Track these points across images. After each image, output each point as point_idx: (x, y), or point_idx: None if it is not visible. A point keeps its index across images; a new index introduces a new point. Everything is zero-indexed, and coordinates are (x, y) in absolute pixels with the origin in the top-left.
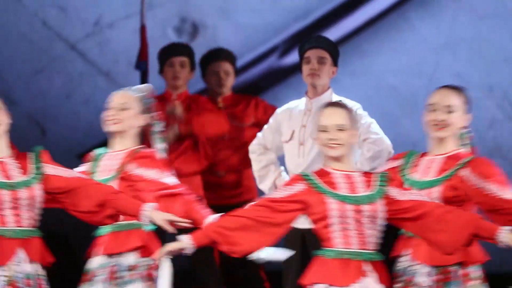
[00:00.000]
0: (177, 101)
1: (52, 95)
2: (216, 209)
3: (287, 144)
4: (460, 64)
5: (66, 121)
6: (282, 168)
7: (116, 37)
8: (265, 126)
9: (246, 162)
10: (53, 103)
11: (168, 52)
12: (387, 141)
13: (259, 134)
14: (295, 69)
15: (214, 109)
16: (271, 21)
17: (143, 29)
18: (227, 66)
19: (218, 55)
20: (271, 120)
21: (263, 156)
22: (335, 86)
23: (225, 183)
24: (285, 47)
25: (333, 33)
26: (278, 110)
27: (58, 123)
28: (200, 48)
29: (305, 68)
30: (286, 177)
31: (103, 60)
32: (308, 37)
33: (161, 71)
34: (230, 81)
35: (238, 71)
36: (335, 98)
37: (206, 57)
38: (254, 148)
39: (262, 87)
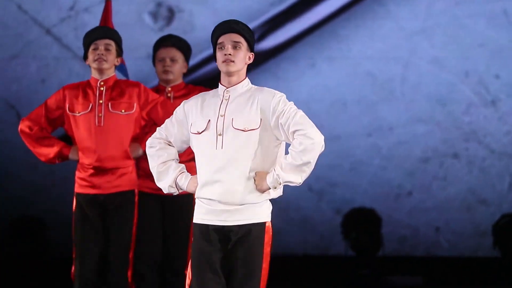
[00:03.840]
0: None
1: (27, 80)
2: (147, 197)
3: (200, 136)
4: (436, 50)
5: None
6: (183, 165)
7: (91, 21)
8: (168, 119)
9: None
10: (28, 88)
11: (93, 36)
12: (319, 133)
13: (160, 127)
14: (272, 53)
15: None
16: (247, 6)
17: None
18: (173, 53)
19: (165, 41)
20: (176, 111)
21: (163, 151)
22: (312, 70)
23: None
24: (261, 32)
25: (309, 18)
26: (185, 102)
27: (33, 108)
28: (176, 33)
29: (219, 55)
30: (188, 175)
31: (79, 45)
32: (220, 23)
33: (85, 58)
34: (177, 69)
35: (189, 62)
36: (253, 88)
37: (155, 44)
38: (153, 142)
39: None
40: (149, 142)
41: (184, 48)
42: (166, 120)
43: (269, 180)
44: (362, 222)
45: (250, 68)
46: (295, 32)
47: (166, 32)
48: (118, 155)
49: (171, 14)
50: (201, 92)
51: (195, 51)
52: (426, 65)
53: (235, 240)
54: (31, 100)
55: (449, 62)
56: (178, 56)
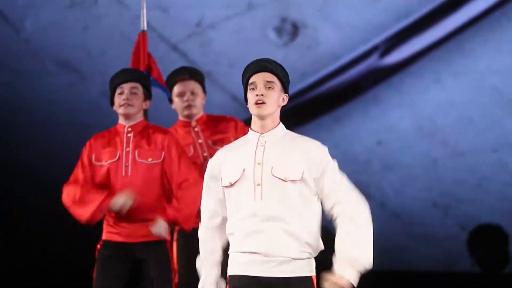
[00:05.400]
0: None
1: (154, 96)
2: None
3: (232, 188)
4: None
5: (168, 121)
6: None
7: (217, 38)
8: (202, 195)
9: None
10: (154, 104)
11: (118, 80)
12: (365, 205)
13: (200, 210)
14: (396, 69)
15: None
16: (371, 21)
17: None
18: (193, 85)
19: (181, 74)
20: (208, 172)
21: (206, 244)
22: (437, 86)
23: None
24: (386, 47)
25: (435, 33)
26: (211, 159)
27: (159, 123)
28: (300, 48)
29: (251, 96)
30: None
31: (204, 61)
32: (251, 62)
33: (112, 103)
34: (199, 102)
35: (206, 90)
36: (291, 135)
37: (170, 79)
38: (201, 234)
39: (362, 87)
40: (199, 234)
41: (202, 79)
42: (202, 198)
43: (351, 276)
44: (488, 239)
45: (376, 83)
46: (420, 47)
47: (290, 47)
48: (146, 206)
49: (295, 29)
50: (225, 119)
51: (319, 66)
52: None
53: None
54: (157, 114)
55: None
56: (198, 88)
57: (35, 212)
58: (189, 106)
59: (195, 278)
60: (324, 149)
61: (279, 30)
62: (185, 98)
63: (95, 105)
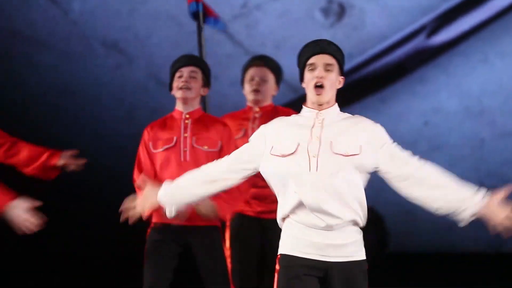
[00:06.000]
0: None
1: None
2: (247, 220)
3: (283, 159)
4: None
5: (214, 103)
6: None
7: (263, 19)
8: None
9: None
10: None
11: (178, 64)
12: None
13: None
14: (443, 49)
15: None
16: (418, 1)
17: None
18: (264, 72)
19: (257, 60)
20: (253, 136)
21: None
22: (484, 66)
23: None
24: (433, 27)
25: (482, 13)
26: (263, 126)
27: (203, 104)
28: (347, 29)
29: (309, 76)
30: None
31: (251, 42)
32: (309, 42)
33: (171, 88)
34: (267, 89)
35: (280, 81)
36: (347, 114)
37: (245, 64)
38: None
39: (409, 68)
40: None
41: (276, 69)
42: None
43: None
44: None
45: (423, 63)
46: (467, 27)
47: (337, 28)
48: None
49: (341, 10)
50: (289, 115)
51: (365, 47)
52: None
53: (336, 276)
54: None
55: None
56: (270, 76)
57: (82, 194)
58: (255, 91)
59: (247, 268)
60: (382, 128)
61: (325, 11)
62: (253, 83)
63: (142, 87)
